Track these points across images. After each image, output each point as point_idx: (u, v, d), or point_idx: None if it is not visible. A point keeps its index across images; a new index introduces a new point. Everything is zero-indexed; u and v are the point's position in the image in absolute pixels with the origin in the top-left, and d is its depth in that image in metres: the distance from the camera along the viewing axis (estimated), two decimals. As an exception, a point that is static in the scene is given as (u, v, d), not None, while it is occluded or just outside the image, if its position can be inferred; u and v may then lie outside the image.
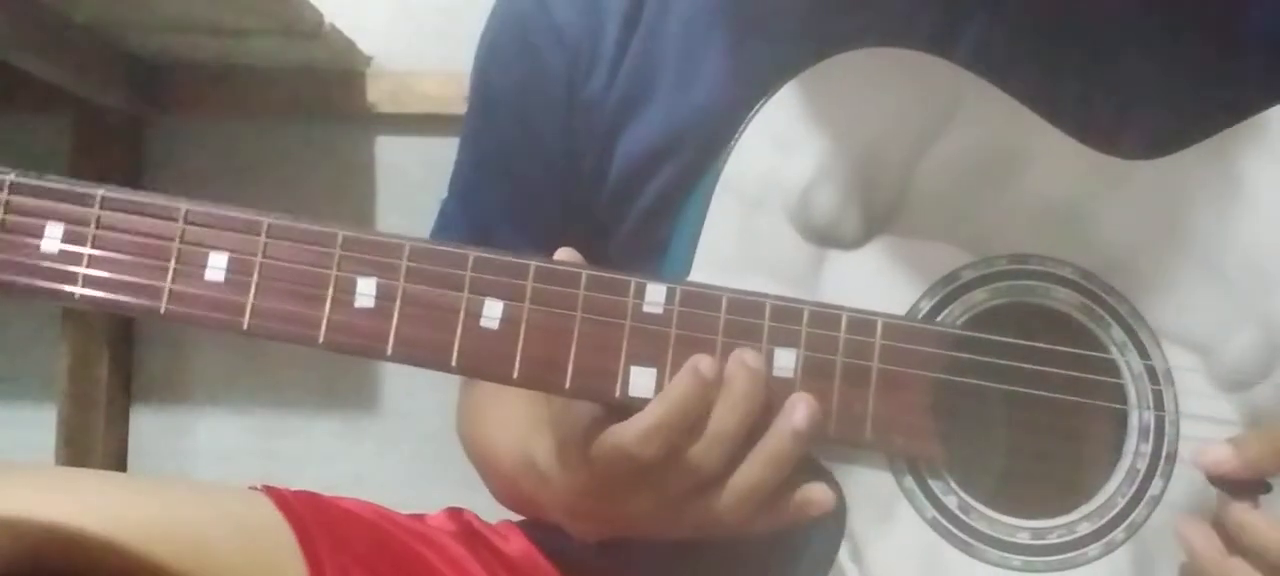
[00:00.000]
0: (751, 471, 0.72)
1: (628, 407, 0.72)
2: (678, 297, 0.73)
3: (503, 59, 0.97)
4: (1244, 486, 0.74)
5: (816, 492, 0.74)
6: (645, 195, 0.90)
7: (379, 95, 1.74)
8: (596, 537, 0.81)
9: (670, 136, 0.89)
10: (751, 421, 0.72)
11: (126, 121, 1.75)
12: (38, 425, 1.75)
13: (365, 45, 1.72)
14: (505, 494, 0.95)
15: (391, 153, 1.78)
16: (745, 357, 0.72)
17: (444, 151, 1.05)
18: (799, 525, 0.74)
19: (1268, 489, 0.74)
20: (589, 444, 0.73)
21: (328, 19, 1.58)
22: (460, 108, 1.03)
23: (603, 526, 0.79)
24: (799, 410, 0.72)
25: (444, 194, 1.02)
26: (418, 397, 1.72)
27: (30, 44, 1.49)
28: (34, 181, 0.74)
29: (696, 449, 0.72)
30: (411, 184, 1.75)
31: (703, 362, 0.72)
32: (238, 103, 1.76)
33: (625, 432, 0.72)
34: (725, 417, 0.71)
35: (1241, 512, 0.73)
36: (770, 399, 0.73)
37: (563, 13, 0.93)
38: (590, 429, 0.73)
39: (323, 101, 1.75)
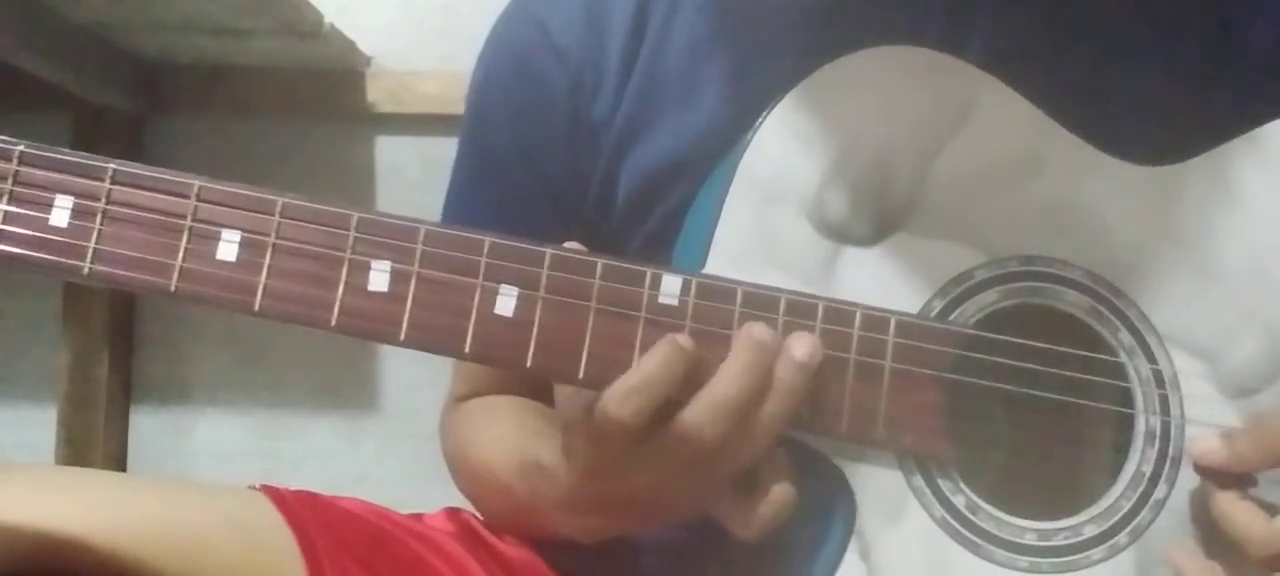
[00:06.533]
0: (768, 406, 0.72)
1: None
2: (693, 290, 0.73)
3: (501, 85, 0.96)
4: (1231, 480, 0.74)
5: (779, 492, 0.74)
6: (654, 216, 0.90)
7: (379, 95, 1.74)
8: (599, 536, 0.81)
9: (679, 156, 0.88)
10: (752, 394, 0.71)
11: (126, 121, 1.75)
12: (38, 425, 1.75)
13: (365, 45, 1.72)
14: (499, 508, 0.94)
15: (391, 152, 1.78)
16: (754, 331, 0.72)
17: (444, 151, 1.04)
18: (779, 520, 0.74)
19: (1253, 483, 0.74)
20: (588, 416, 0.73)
21: (328, 19, 1.58)
22: (460, 108, 1.02)
23: (606, 517, 0.79)
24: (799, 344, 0.72)
25: (442, 195, 1.02)
26: (418, 397, 1.72)
27: (30, 44, 1.49)
28: (44, 153, 0.72)
29: (696, 417, 0.71)
30: (411, 184, 1.75)
31: (681, 337, 0.72)
32: (238, 103, 1.76)
33: (608, 394, 0.71)
34: (727, 386, 0.71)
35: (1227, 502, 0.73)
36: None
37: (564, 36, 0.92)
38: (590, 403, 0.73)
39: (323, 101, 1.75)
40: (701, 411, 0.71)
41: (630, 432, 0.71)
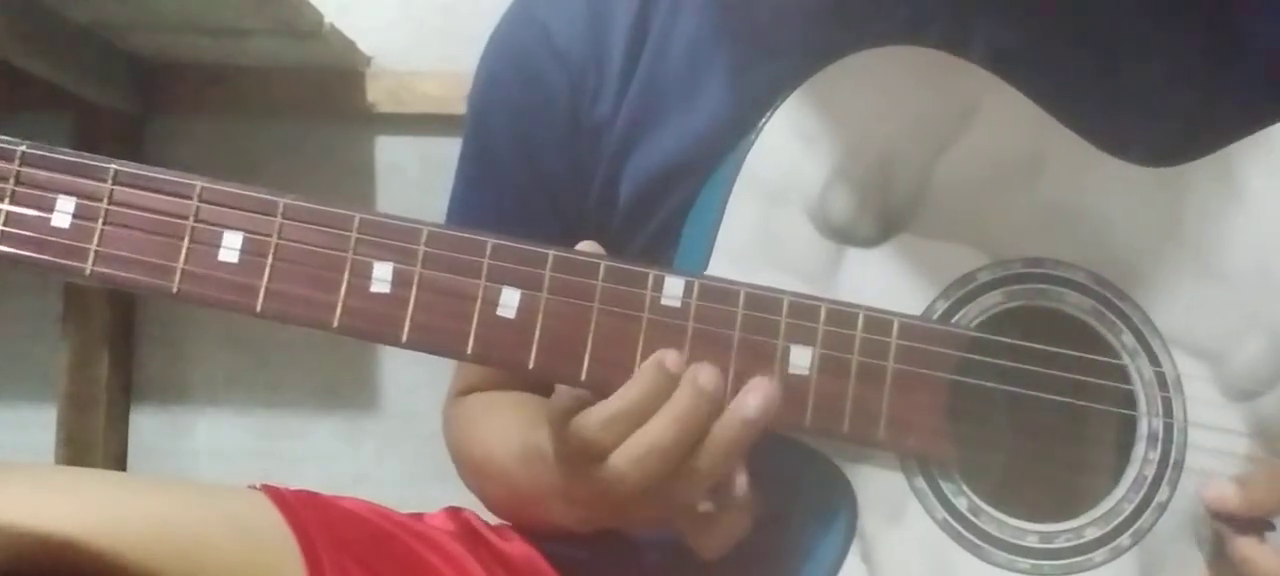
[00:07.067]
0: (703, 459, 0.71)
1: None
2: (696, 291, 0.73)
3: (502, 87, 0.96)
4: (1248, 523, 0.74)
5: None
6: (656, 217, 0.89)
7: (379, 95, 1.74)
8: (593, 526, 0.81)
9: (681, 157, 0.88)
10: (688, 441, 0.70)
11: (126, 121, 1.75)
12: (38, 425, 1.75)
13: (365, 45, 1.72)
14: (501, 497, 0.95)
15: (391, 152, 1.78)
16: (699, 376, 0.71)
17: (444, 151, 1.05)
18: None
19: (1271, 527, 0.74)
20: (568, 421, 0.73)
21: (328, 19, 1.58)
22: (460, 108, 1.02)
23: (595, 510, 0.79)
24: (751, 398, 0.71)
25: (443, 195, 1.01)
26: (418, 398, 1.72)
27: (30, 44, 1.49)
28: (46, 153, 0.73)
29: (619, 461, 0.70)
30: (411, 184, 1.76)
31: (669, 357, 0.71)
32: (238, 103, 1.76)
33: (588, 419, 0.71)
34: (662, 430, 0.70)
35: (1246, 547, 0.73)
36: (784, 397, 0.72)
37: (565, 38, 0.92)
38: (571, 405, 0.73)
39: (323, 101, 1.75)
40: (626, 455, 0.70)
41: (605, 453, 0.71)
